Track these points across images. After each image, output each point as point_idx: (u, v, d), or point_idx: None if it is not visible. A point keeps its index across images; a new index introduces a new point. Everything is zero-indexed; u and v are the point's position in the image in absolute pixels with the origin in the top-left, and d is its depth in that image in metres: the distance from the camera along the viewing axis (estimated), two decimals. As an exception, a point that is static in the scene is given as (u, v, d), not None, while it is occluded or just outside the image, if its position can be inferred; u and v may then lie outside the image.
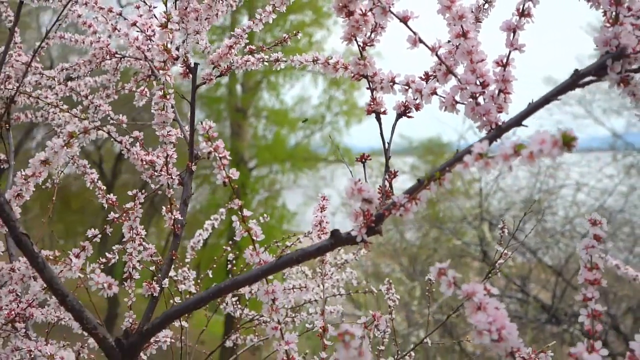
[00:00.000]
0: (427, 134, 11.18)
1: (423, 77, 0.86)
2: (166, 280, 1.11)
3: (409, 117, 0.89)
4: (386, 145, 0.87)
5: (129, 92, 1.45)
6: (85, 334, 1.28)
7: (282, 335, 0.84)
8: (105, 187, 1.28)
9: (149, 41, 1.29)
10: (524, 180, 8.34)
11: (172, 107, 1.02)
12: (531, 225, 7.11)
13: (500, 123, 0.73)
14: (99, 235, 1.14)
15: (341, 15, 0.81)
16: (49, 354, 0.96)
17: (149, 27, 1.29)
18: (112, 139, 1.25)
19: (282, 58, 1.24)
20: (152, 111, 1.04)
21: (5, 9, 1.62)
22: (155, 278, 1.14)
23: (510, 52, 0.75)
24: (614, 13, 0.67)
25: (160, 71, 0.99)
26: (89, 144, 1.18)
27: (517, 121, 0.70)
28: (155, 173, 1.20)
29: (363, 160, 0.90)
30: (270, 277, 0.85)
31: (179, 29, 1.06)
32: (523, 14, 0.75)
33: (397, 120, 0.88)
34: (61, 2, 1.26)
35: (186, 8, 1.14)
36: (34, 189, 0.95)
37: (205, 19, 1.17)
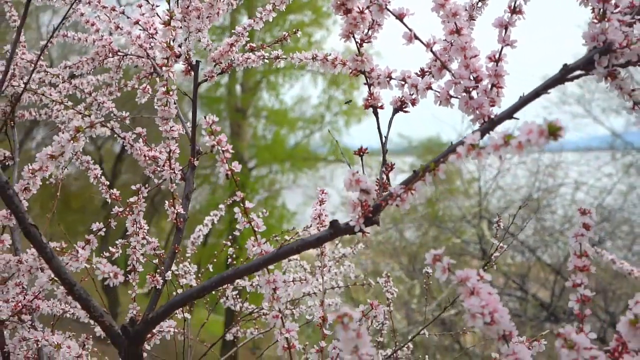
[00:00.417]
0: (427, 133, 11.22)
1: (419, 73, 0.89)
2: (169, 273, 1.13)
3: (405, 111, 0.91)
4: (383, 139, 0.90)
5: (131, 90, 1.47)
6: (90, 326, 1.31)
7: (283, 323, 0.87)
8: (108, 183, 1.30)
9: (151, 39, 1.32)
10: (523, 179, 8.38)
11: (175, 103, 1.05)
12: (530, 222, 7.14)
13: (492, 116, 0.75)
14: (103, 230, 1.17)
15: (339, 13, 0.84)
16: (55, 343, 0.99)
17: (151, 25, 1.32)
18: (114, 136, 1.28)
19: (282, 55, 1.27)
20: (155, 107, 1.07)
21: (10, 8, 1.65)
22: (158, 271, 1.17)
23: (502, 48, 0.77)
24: (601, 10, 0.70)
25: (163, 68, 1.01)
26: (89, 144, 1.21)
27: (509, 114, 0.73)
28: (158, 168, 1.23)
29: (361, 153, 0.92)
30: (271, 267, 0.87)
31: (181, 27, 1.08)
32: (514, 11, 0.77)
33: (393, 114, 0.91)
34: (65, 1, 1.29)
35: (188, 6, 1.16)
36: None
37: (207, 17, 1.19)
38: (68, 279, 0.81)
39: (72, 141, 0.94)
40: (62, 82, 1.40)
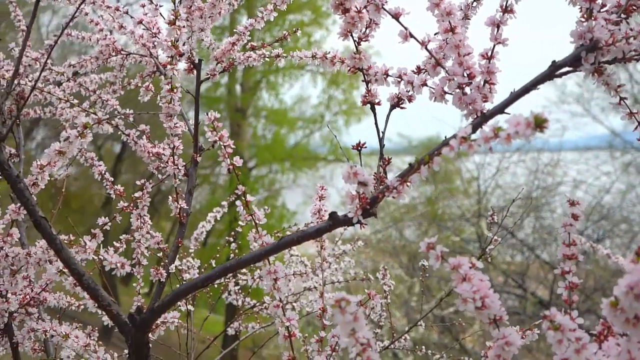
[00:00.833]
0: (426, 133, 11.26)
1: (415, 70, 0.92)
2: (173, 266, 1.16)
3: (402, 108, 0.94)
4: (380, 134, 0.93)
5: (134, 88, 1.50)
6: (92, 320, 1.34)
7: (284, 312, 0.90)
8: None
9: (154, 38, 1.35)
10: (522, 177, 8.41)
11: (179, 100, 1.08)
12: (530, 221, 7.18)
13: (485, 111, 0.79)
14: (108, 224, 1.20)
15: (338, 12, 0.87)
16: (63, 333, 1.02)
17: (154, 24, 1.35)
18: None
19: (282, 54, 1.30)
20: (160, 104, 1.10)
21: (14, 8, 1.68)
22: (162, 264, 1.20)
23: (494, 46, 0.80)
24: (588, 9, 0.73)
25: (168, 66, 1.05)
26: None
27: (500, 109, 0.76)
28: (162, 164, 1.26)
29: (358, 148, 0.95)
30: (272, 259, 0.90)
31: (185, 26, 1.11)
32: (506, 10, 0.80)
33: (390, 110, 0.94)
34: (70, 1, 1.32)
35: (191, 6, 1.19)
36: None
37: (209, 17, 1.22)
38: (77, 269, 0.84)
39: (79, 137, 0.97)
40: (67, 81, 1.43)
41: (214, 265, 1.71)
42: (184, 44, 1.17)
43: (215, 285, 1.64)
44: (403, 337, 1.52)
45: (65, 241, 0.96)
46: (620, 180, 8.14)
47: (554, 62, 0.74)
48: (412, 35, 0.83)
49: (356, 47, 0.91)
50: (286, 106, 11.51)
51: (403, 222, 8.44)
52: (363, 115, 10.50)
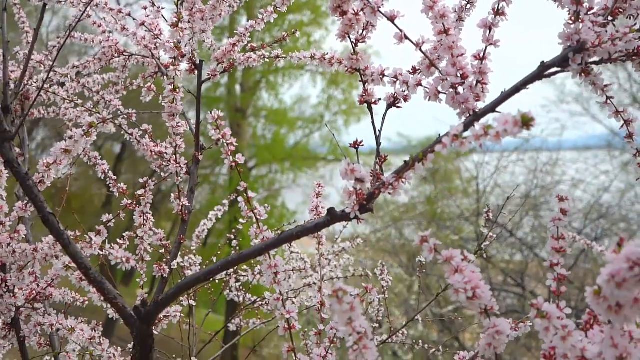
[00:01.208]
0: (426, 133, 11.28)
1: (411, 70, 0.95)
2: (175, 262, 1.19)
3: (397, 107, 0.97)
4: (377, 133, 0.96)
5: (137, 88, 1.53)
6: (94, 318, 1.37)
7: (284, 305, 0.93)
8: (119, 175, 1.36)
9: (156, 40, 1.38)
10: (521, 176, 8.44)
11: (181, 99, 1.11)
12: (529, 220, 7.21)
13: (477, 110, 0.81)
14: (112, 221, 1.23)
15: (336, 15, 0.90)
16: (69, 326, 1.05)
17: (156, 26, 1.38)
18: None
19: (282, 55, 1.33)
20: (163, 104, 1.13)
21: (18, 10, 1.71)
22: (164, 260, 1.23)
23: (486, 47, 0.83)
24: (575, 11, 0.76)
25: (171, 67, 1.07)
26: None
27: (492, 108, 0.79)
28: (164, 163, 1.29)
29: (356, 146, 0.98)
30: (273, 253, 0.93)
31: (187, 28, 1.14)
32: (498, 13, 0.83)
33: (387, 109, 0.97)
34: (72, 3, 1.35)
35: (192, 9, 1.22)
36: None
37: (210, 19, 1.25)
38: (84, 264, 0.87)
39: (85, 136, 1.00)
40: (71, 82, 1.46)
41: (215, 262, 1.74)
42: (185, 46, 1.20)
43: (217, 281, 1.67)
44: (401, 332, 1.55)
45: (72, 237, 0.99)
46: (619, 179, 8.17)
47: (542, 62, 0.77)
48: (407, 37, 0.85)
49: (353, 48, 0.94)
50: (286, 106, 11.55)
51: (402, 222, 8.47)
52: (362, 115, 10.53)
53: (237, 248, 1.82)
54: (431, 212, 8.72)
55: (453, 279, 0.69)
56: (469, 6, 1.01)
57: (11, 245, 1.08)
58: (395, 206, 9.02)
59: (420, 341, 1.68)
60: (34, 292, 1.17)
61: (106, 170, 1.41)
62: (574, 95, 8.78)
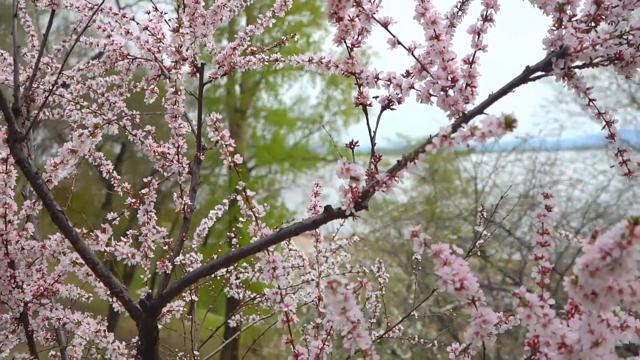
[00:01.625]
0: (425, 133, 11.32)
1: (404, 74, 0.99)
2: (178, 258, 1.23)
3: (392, 109, 1.01)
4: (372, 133, 1.00)
5: (140, 91, 1.57)
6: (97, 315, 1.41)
7: (282, 299, 0.97)
8: (118, 175, 1.40)
9: (159, 44, 1.42)
10: (520, 176, 8.48)
11: (183, 102, 1.15)
12: (527, 219, 7.24)
13: (466, 112, 0.86)
14: (117, 220, 1.27)
15: (332, 21, 0.94)
16: (76, 320, 1.09)
17: (159, 30, 1.42)
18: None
19: (281, 58, 1.37)
20: (165, 106, 1.17)
21: (24, 14, 1.75)
22: (167, 257, 1.27)
23: (475, 52, 0.87)
24: (558, 18, 0.80)
25: (173, 70, 1.12)
26: None
27: (480, 110, 0.83)
28: (167, 163, 1.33)
29: (351, 146, 1.02)
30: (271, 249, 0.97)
31: (188, 33, 1.19)
32: (486, 19, 0.88)
33: (381, 111, 1.01)
34: (82, 11, 1.39)
35: (194, 14, 1.26)
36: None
37: (211, 23, 1.30)
38: (92, 259, 0.91)
39: (91, 136, 1.04)
40: (77, 84, 1.50)
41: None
42: (187, 49, 1.24)
43: (218, 277, 1.71)
44: (397, 328, 1.59)
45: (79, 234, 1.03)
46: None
47: (527, 67, 0.81)
48: (399, 43, 0.90)
49: (349, 52, 0.98)
50: (285, 106, 11.58)
51: (402, 221, 8.51)
52: (362, 116, 10.49)
53: (237, 246, 1.86)
54: (430, 212, 8.77)
55: (442, 271, 0.73)
56: (460, 12, 1.06)
57: (20, 242, 1.12)
58: (395, 206, 9.06)
59: (417, 336, 1.72)
60: (41, 288, 1.21)
61: (110, 170, 1.45)
62: (573, 95, 8.80)
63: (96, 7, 1.43)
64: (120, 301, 0.94)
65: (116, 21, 1.45)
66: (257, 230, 0.99)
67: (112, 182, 1.45)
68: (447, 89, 0.88)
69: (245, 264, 1.82)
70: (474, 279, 0.74)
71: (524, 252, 7.49)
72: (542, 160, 8.18)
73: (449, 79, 0.89)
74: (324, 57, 1.18)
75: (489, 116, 0.66)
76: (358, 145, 1.04)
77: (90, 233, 1.14)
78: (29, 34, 1.76)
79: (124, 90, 1.57)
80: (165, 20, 1.35)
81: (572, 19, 0.82)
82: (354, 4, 0.88)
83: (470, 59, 0.88)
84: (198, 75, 1.34)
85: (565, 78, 0.81)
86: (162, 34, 1.42)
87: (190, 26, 1.25)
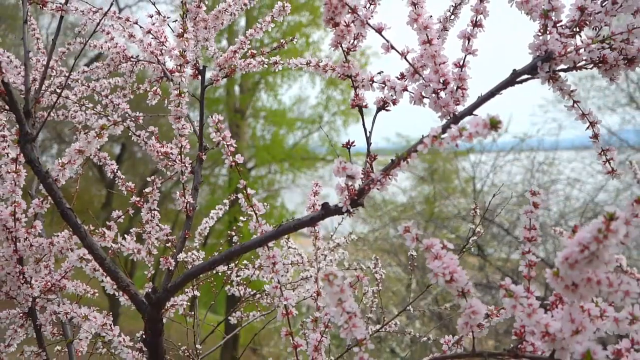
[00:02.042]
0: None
1: (399, 76, 1.03)
2: (180, 255, 1.28)
3: (387, 110, 1.06)
4: (367, 134, 1.04)
5: (143, 92, 1.61)
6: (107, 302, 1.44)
7: (282, 293, 1.01)
8: (120, 175, 1.44)
9: (162, 46, 1.46)
10: (518, 176, 8.52)
11: (186, 103, 1.19)
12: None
13: (457, 113, 0.90)
14: (122, 217, 1.31)
15: (329, 26, 0.98)
16: (83, 314, 1.13)
17: (162, 33, 1.46)
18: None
19: (280, 61, 1.41)
20: (168, 107, 1.21)
21: (29, 17, 1.78)
22: (170, 254, 1.31)
23: (465, 56, 0.92)
24: (543, 24, 0.84)
25: (176, 73, 1.16)
26: None
27: (469, 111, 0.87)
28: (170, 163, 1.37)
29: (348, 146, 1.06)
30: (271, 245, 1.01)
31: (191, 38, 1.23)
32: (476, 24, 0.92)
33: (377, 112, 1.05)
34: (86, 14, 1.43)
35: (196, 18, 1.31)
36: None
37: (213, 27, 1.34)
38: (99, 254, 0.95)
39: (97, 137, 1.08)
40: (81, 86, 1.54)
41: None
42: (189, 52, 1.28)
43: (219, 273, 1.75)
44: (393, 323, 1.64)
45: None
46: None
47: (514, 70, 0.85)
48: (393, 47, 0.94)
49: (345, 56, 1.02)
50: (285, 107, 11.63)
51: (400, 221, 8.55)
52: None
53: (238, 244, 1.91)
54: (429, 211, 8.81)
55: (432, 265, 0.77)
56: (452, 17, 1.10)
57: (28, 239, 1.16)
58: (394, 206, 9.11)
59: (412, 330, 1.76)
60: (48, 283, 1.25)
61: (115, 170, 1.49)
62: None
63: (101, 10, 1.47)
64: (126, 295, 0.98)
65: (120, 25, 1.49)
66: (257, 227, 1.03)
67: (114, 182, 1.49)
68: (439, 91, 0.92)
69: (245, 262, 1.86)
70: (463, 272, 0.78)
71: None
72: (541, 159, 8.22)
73: (441, 81, 0.93)
74: (321, 61, 1.22)
75: (475, 117, 0.70)
76: (354, 145, 1.08)
77: (97, 230, 1.18)
78: (34, 37, 1.79)
79: (128, 92, 1.61)
80: (167, 24, 1.39)
81: (557, 25, 0.86)
82: (350, 10, 0.92)
83: (461, 63, 0.92)
84: (200, 77, 1.38)
85: (550, 81, 0.85)
86: (165, 37, 1.46)
87: (193, 30, 1.29)
